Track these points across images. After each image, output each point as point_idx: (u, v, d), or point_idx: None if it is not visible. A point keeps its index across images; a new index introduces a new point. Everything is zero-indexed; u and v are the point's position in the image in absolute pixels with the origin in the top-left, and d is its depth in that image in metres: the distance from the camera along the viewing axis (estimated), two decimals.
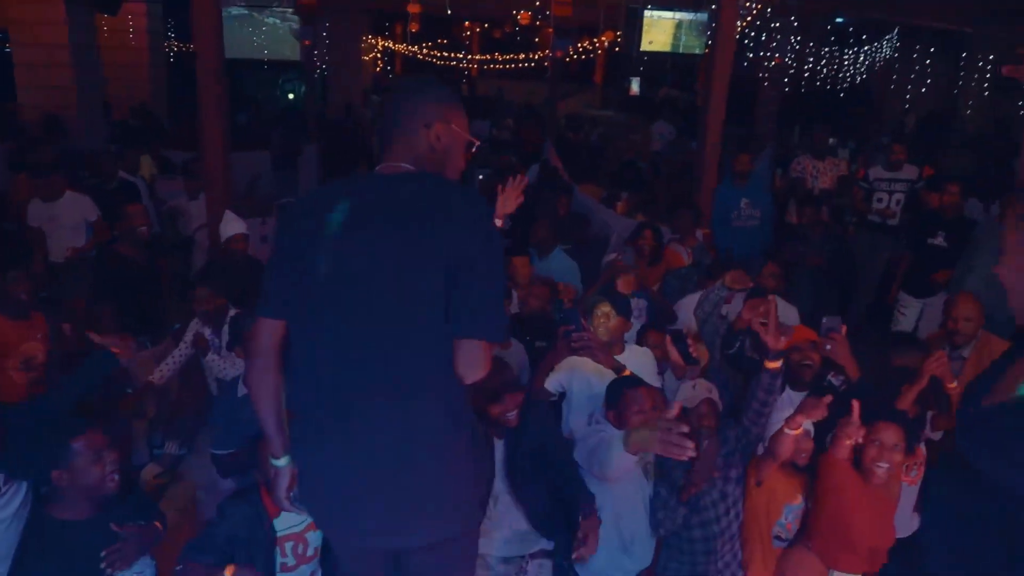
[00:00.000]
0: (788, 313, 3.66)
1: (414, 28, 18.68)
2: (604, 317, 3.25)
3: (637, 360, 3.29)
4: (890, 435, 2.71)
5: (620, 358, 3.14)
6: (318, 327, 1.75)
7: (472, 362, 1.73)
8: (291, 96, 20.07)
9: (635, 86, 19.05)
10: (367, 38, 16.86)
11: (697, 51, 10.57)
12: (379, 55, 20.67)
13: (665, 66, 15.74)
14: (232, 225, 4.75)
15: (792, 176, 7.53)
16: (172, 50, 12.59)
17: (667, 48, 10.65)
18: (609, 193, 8.55)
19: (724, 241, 5.91)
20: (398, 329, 1.69)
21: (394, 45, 19.62)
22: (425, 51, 18.23)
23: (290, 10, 10.87)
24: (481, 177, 8.84)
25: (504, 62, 18.44)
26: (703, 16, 9.98)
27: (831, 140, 8.09)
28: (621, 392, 2.74)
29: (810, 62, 14.61)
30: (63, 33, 9.21)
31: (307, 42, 10.62)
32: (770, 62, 11.07)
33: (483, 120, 12.84)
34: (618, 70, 19.06)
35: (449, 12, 8.08)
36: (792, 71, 13.25)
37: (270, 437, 1.91)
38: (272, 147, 9.65)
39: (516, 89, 19.56)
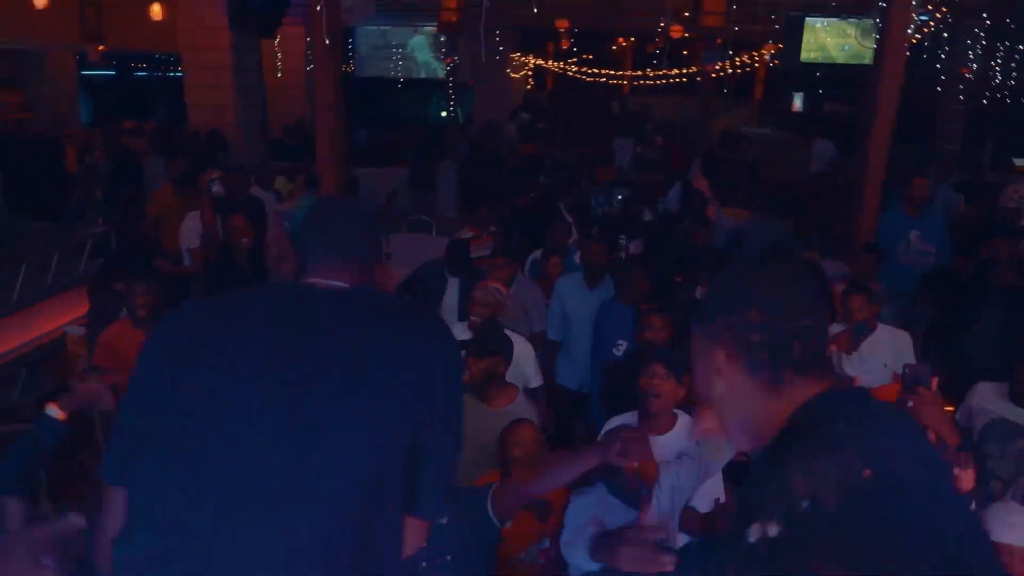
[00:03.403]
0: None
1: (565, 45, 18.55)
2: (656, 378, 2.67)
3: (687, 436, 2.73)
4: None
5: (672, 433, 2.67)
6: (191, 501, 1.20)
7: (414, 540, 1.32)
8: (444, 114, 20.57)
9: (797, 101, 17.76)
10: (517, 55, 16.88)
11: (867, 61, 9.48)
12: (530, 73, 20.71)
13: (830, 79, 14.49)
14: None
15: (1008, 208, 6.48)
16: None
17: (831, 59, 9.62)
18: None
19: (886, 279, 5.07)
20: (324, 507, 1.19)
21: (545, 62, 19.56)
22: (575, 67, 18.01)
23: (434, 27, 10.99)
24: (620, 197, 8.37)
25: (656, 77, 17.81)
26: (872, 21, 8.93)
27: None
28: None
29: (1004, 69, 12.84)
30: (227, 57, 9.82)
31: (449, 60, 10.66)
32: (953, 71, 9.73)
33: (626, 137, 12.35)
34: (778, 84, 17.87)
35: (596, 28, 7.73)
36: (982, 80, 11.67)
37: None
38: (409, 164, 9.73)
39: (669, 105, 18.87)
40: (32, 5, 10.00)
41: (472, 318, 3.57)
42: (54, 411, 2.02)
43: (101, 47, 11.97)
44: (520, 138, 14.56)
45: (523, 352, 3.60)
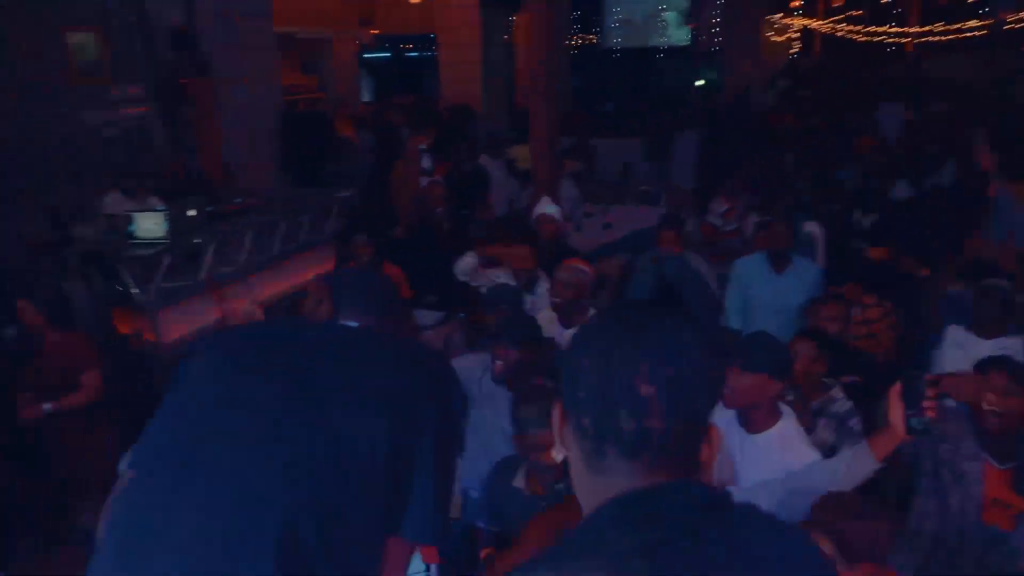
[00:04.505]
0: None
1: (837, 2, 16.88)
2: None
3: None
4: None
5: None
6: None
7: (395, 564, 1.39)
8: (697, 83, 19.84)
9: None
10: (778, 17, 15.68)
11: None
12: (796, 36, 19.15)
13: None
14: (542, 205, 5.03)
15: None
16: (576, 43, 13.33)
17: None
18: None
19: None
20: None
21: (812, 23, 17.94)
22: (845, 27, 16.29)
23: None
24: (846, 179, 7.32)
25: (944, 33, 15.46)
26: None
27: None
28: None
29: None
30: (477, 34, 10.40)
31: (693, 25, 10.21)
32: None
33: (895, 103, 10.94)
34: None
35: None
36: None
37: None
38: (643, 135, 9.59)
39: (963, 65, 16.34)
40: None
41: (554, 299, 3.39)
42: None
43: (374, 31, 13.28)
44: (775, 106, 13.57)
45: None
